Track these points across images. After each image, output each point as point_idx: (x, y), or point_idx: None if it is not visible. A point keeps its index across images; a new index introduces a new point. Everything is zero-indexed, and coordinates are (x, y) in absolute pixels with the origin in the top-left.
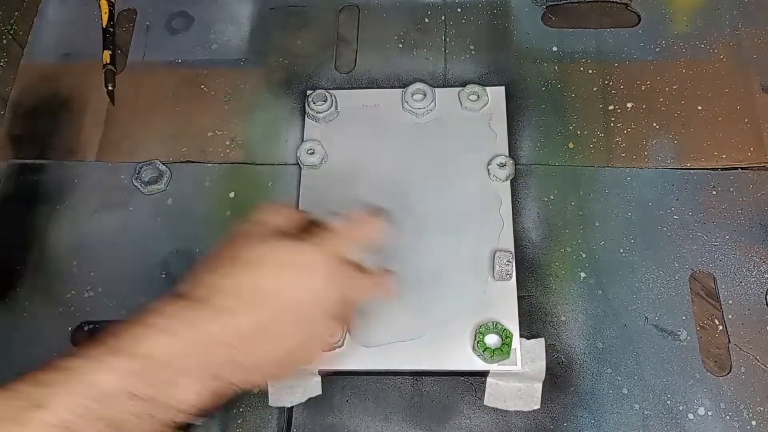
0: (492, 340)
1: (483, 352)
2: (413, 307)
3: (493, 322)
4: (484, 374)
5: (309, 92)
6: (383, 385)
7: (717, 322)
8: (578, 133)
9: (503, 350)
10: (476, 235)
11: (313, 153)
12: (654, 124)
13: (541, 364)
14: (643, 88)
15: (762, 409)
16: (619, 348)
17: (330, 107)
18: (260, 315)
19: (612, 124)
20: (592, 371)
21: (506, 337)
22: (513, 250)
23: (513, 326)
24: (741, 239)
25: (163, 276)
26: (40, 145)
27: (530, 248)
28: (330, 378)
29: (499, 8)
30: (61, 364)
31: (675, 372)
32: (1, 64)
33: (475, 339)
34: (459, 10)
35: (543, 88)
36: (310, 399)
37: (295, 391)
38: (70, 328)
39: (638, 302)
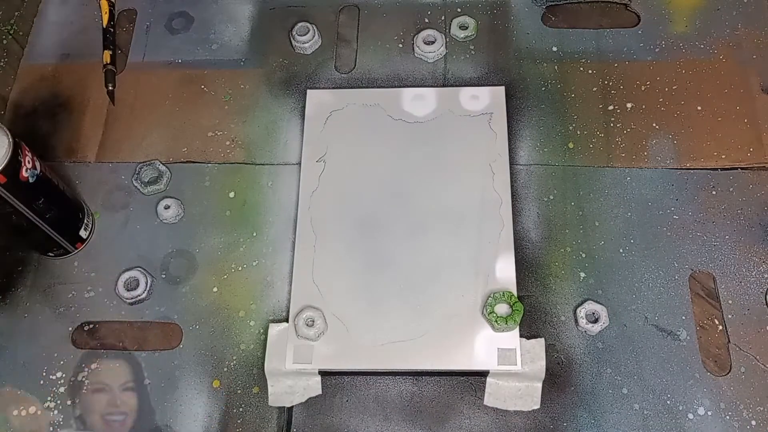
0: (502, 309)
1: (488, 315)
2: (413, 307)
3: (507, 293)
4: (484, 374)
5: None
6: (383, 385)
7: (717, 322)
8: (578, 133)
9: (508, 321)
10: (476, 235)
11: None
12: (654, 124)
13: (541, 364)
14: (643, 88)
15: (762, 409)
16: (619, 348)
17: (313, 36)
18: None
19: (612, 124)
20: (592, 371)
21: (515, 312)
22: (513, 251)
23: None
24: (741, 239)
25: (164, 276)
26: (40, 145)
27: (530, 248)
28: (330, 378)
29: (499, 8)
30: None
31: (675, 372)
32: (1, 64)
33: (485, 303)
34: (459, 10)
35: (543, 88)
36: (310, 399)
37: (295, 391)
38: (70, 329)
39: (638, 302)
